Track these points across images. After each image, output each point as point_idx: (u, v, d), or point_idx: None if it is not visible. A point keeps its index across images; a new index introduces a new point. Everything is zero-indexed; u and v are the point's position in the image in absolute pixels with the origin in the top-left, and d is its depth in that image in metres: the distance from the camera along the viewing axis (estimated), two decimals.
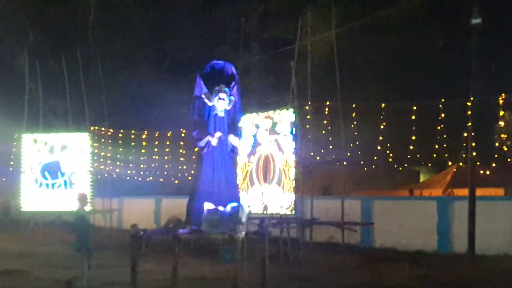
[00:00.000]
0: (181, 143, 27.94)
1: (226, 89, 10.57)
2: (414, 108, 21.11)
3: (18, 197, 24.59)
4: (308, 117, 19.46)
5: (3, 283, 13.04)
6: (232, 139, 10.55)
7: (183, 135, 27.01)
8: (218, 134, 10.42)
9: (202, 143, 10.38)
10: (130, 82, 33.46)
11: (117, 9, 33.55)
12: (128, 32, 34.05)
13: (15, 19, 32.67)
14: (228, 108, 10.61)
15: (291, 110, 18.27)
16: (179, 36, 34.04)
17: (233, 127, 10.64)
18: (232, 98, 10.63)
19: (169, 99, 32.17)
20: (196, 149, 10.97)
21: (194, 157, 13.88)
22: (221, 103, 10.50)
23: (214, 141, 10.35)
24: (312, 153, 20.95)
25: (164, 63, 35.59)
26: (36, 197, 24.36)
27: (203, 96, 10.55)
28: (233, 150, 10.68)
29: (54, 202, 24.21)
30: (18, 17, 32.71)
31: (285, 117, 18.33)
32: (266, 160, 18.78)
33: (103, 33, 31.82)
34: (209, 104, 10.49)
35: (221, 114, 10.54)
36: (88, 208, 11.29)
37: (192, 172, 13.47)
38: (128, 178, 30.07)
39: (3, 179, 30.41)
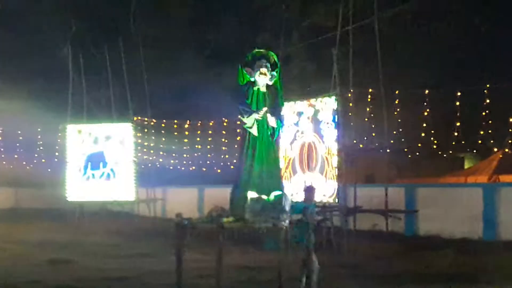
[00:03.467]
0: (224, 132, 27.96)
1: (267, 64, 10.52)
2: (458, 94, 20.80)
3: (64, 187, 24.92)
4: (350, 104, 19.33)
5: (49, 272, 13.22)
6: (269, 119, 10.47)
7: (225, 124, 27.04)
8: (264, 109, 10.37)
9: (249, 121, 10.31)
10: (173, 72, 33.58)
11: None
12: (170, 22, 34.15)
13: (58, 11, 33.01)
14: (270, 83, 10.55)
15: (333, 97, 18.15)
16: (221, 25, 34.05)
17: (273, 108, 10.55)
18: (274, 73, 10.57)
19: (211, 88, 32.21)
20: (238, 138, 10.95)
21: (236, 146, 13.85)
22: (262, 78, 10.45)
23: (259, 115, 10.28)
24: (354, 141, 20.82)
25: (206, 52, 35.63)
26: (81, 187, 24.67)
27: (245, 71, 10.51)
28: (273, 131, 10.58)
29: (98, 192, 24.48)
30: (61, 8, 33.03)
31: (327, 104, 18.22)
32: (308, 148, 18.72)
33: (145, 23, 32.01)
34: (251, 79, 10.46)
35: (263, 89, 10.49)
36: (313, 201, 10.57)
37: (235, 161, 13.48)
38: (171, 167, 30.23)
39: (49, 170, 30.83)
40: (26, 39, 33.15)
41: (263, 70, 10.44)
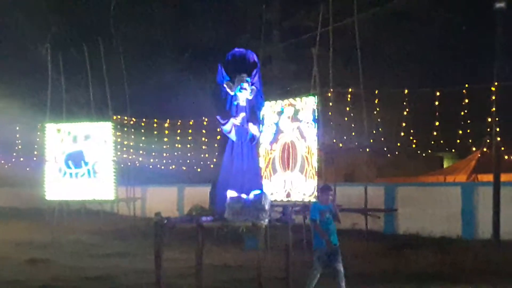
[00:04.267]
0: (203, 131, 27.95)
1: (248, 79, 10.50)
2: (437, 94, 20.93)
3: (43, 186, 24.78)
4: (330, 104, 19.39)
5: (28, 271, 13.16)
6: (251, 127, 10.49)
7: (205, 123, 27.01)
8: (242, 114, 10.37)
9: (227, 126, 10.34)
10: (152, 72, 33.55)
11: None
12: (149, 22, 34.11)
13: (37, 11, 32.85)
14: (250, 97, 10.56)
15: (313, 97, 18.19)
16: (200, 25, 34.05)
17: (253, 116, 10.57)
18: (254, 88, 10.56)
19: (190, 88, 32.21)
20: (218, 137, 10.96)
21: (216, 145, 13.88)
22: (243, 93, 10.45)
23: (237, 120, 10.30)
24: (334, 140, 20.88)
25: (185, 52, 35.61)
26: (60, 186, 24.54)
27: (225, 85, 10.50)
28: (253, 139, 10.62)
29: (78, 191, 24.37)
30: (40, 8, 32.87)
31: (307, 104, 18.25)
32: (288, 148, 18.75)
33: (125, 23, 31.94)
34: (231, 93, 10.45)
35: (243, 103, 10.49)
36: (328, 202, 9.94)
37: (215, 160, 13.48)
38: (151, 166, 30.18)
39: (27, 169, 30.66)
40: (5, 38, 32.99)
41: (244, 85, 10.44)
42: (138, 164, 28.39)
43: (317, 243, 9.98)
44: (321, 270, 9.90)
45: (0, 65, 33.02)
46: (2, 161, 32.34)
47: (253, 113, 10.63)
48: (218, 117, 10.48)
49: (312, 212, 10.04)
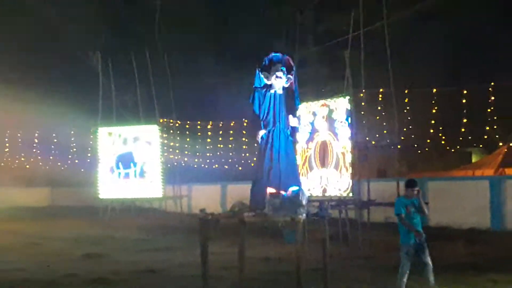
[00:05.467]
0: (244, 132, 28.02)
1: (283, 68, 10.51)
2: (465, 92, 20.70)
3: (96, 186, 25.07)
4: (363, 104, 19.29)
5: (84, 265, 13.31)
6: (291, 119, 10.48)
7: (245, 124, 27.08)
8: (262, 132, 10.38)
9: (258, 138, 10.39)
10: (195, 76, 33.71)
11: (182, 7, 33.79)
12: (192, 29, 34.27)
13: (88, 21, 33.22)
14: (286, 86, 10.53)
15: (346, 97, 18.11)
16: (239, 31, 34.10)
17: (291, 109, 10.56)
18: (290, 76, 10.55)
19: (231, 91, 32.30)
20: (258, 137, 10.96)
21: (256, 145, 13.92)
22: (278, 81, 10.44)
23: (261, 132, 10.32)
24: (367, 138, 20.77)
25: (226, 56, 35.71)
26: (111, 186, 24.81)
27: (261, 75, 10.51)
28: (293, 131, 10.59)
29: (128, 190, 24.61)
30: (90, 19, 33.24)
31: (341, 104, 18.16)
32: (323, 146, 18.67)
33: (169, 31, 32.13)
34: (268, 82, 10.46)
35: (279, 91, 10.49)
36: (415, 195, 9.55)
37: (255, 159, 13.50)
38: (195, 166, 30.36)
39: (82, 170, 31.05)
40: (59, 48, 33.42)
41: (279, 73, 10.44)
42: (183, 164, 28.58)
43: (403, 238, 9.69)
44: (409, 265, 9.57)
45: (55, 73, 33.52)
46: (59, 163, 32.82)
47: (292, 107, 10.61)
48: (249, 128, 10.51)
49: (397, 207, 9.80)
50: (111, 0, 33.77)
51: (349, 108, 17.88)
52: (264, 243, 14.64)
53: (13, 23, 32.73)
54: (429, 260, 9.60)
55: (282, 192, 9.89)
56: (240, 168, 29.08)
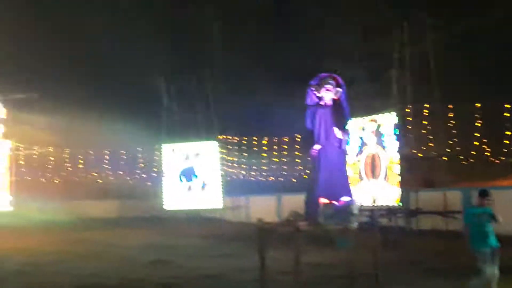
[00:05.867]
0: (297, 146, 27.98)
1: (332, 81, 10.47)
2: (507, 106, 20.26)
3: (161, 198, 25.35)
4: (409, 118, 19.08)
5: (151, 271, 13.43)
6: (337, 132, 10.41)
7: (298, 139, 27.05)
8: (317, 147, 10.33)
9: (313, 153, 10.35)
10: (251, 95, 33.84)
11: (236, 30, 34.04)
12: (247, 49, 34.43)
13: (151, 46, 33.76)
14: (336, 97, 10.48)
15: (394, 113, 17.94)
16: (291, 50, 34.12)
17: (340, 122, 10.48)
18: (339, 89, 10.49)
19: (284, 108, 32.30)
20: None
21: (308, 158, 13.88)
22: (328, 94, 10.41)
23: (316, 147, 10.27)
24: (414, 151, 20.51)
25: (279, 75, 35.75)
26: (175, 198, 25.05)
27: (312, 88, 10.49)
28: (342, 143, 10.51)
29: (191, 201, 24.81)
30: (154, 43, 33.76)
31: (388, 119, 18.02)
32: (372, 158, 18.53)
33: (226, 52, 32.38)
34: (318, 95, 10.43)
35: (329, 102, 10.44)
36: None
37: (308, 171, 13.47)
38: (252, 178, 30.41)
39: (148, 183, 31.44)
40: (126, 71, 34.04)
41: (328, 86, 10.41)
42: (241, 177, 28.68)
43: (480, 244, 9.48)
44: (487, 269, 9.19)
45: (123, 96, 34.12)
46: (127, 177, 33.33)
47: (339, 121, 10.54)
48: (303, 143, 10.52)
49: (465, 217, 9.67)
50: (172, 26, 34.23)
51: (396, 123, 17.72)
52: (318, 250, 14.51)
53: (83, 49, 33.54)
54: (497, 271, 9.34)
55: (335, 202, 9.83)
56: (294, 180, 29.01)
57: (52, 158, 33.85)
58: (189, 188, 25.15)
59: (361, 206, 14.97)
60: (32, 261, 15.31)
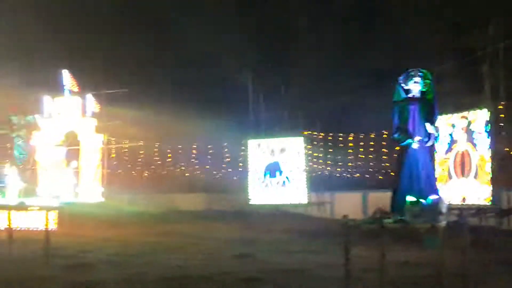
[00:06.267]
0: (383, 143, 27.58)
1: (421, 73, 10.26)
2: None
3: (247, 193, 25.58)
4: (502, 115, 18.45)
5: (235, 265, 13.56)
6: (428, 127, 10.19)
7: (384, 136, 26.65)
8: (417, 138, 10.14)
9: (405, 143, 10.17)
10: (337, 91, 33.56)
11: (323, 26, 33.82)
12: (334, 44, 34.17)
13: (239, 42, 34.04)
14: (423, 90, 10.26)
15: (485, 110, 17.39)
16: (378, 45, 33.60)
17: (429, 118, 10.26)
18: (428, 81, 10.27)
19: (371, 104, 31.87)
20: (397, 147, 10.78)
21: (395, 155, 13.64)
22: (416, 86, 10.24)
23: (415, 145, 10.07)
24: (507, 149, 19.81)
25: (366, 71, 35.29)
26: (260, 193, 25.21)
27: (400, 81, 10.33)
28: (431, 139, 10.28)
29: (275, 196, 24.90)
30: (239, 41, 34.03)
31: (479, 116, 17.48)
32: (462, 156, 18.03)
33: (312, 49, 32.26)
34: (406, 87, 10.25)
35: (417, 94, 10.24)
36: None
37: (394, 168, 13.24)
38: (338, 175, 30.20)
39: (234, 178, 31.77)
40: (213, 69, 34.50)
41: (417, 79, 10.23)
42: (326, 173, 28.53)
43: None
44: None
45: (211, 92, 34.60)
46: (214, 172, 33.80)
47: (429, 115, 10.33)
48: (395, 135, 10.32)
49: None
50: (259, 22, 34.39)
51: (488, 120, 17.18)
52: (404, 248, 14.25)
53: (172, 45, 34.21)
54: None
55: (422, 200, 9.65)
56: (380, 177, 28.61)
57: (142, 152, 34.78)
58: (274, 183, 25.25)
59: (450, 204, 14.62)
60: (121, 251, 15.79)
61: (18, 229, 20.45)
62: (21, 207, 19.94)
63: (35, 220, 21.17)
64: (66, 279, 11.34)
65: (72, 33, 34.27)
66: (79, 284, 10.89)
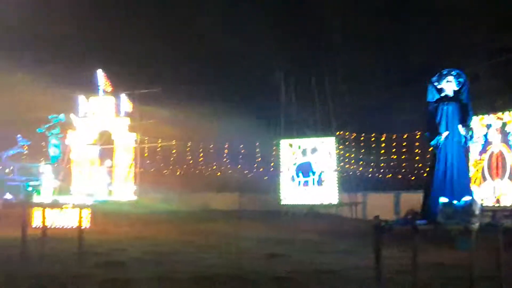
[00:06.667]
0: (416, 143, 27.36)
1: (454, 72, 10.20)
2: None
3: (278, 193, 25.59)
4: None
5: (267, 264, 13.59)
6: (460, 128, 10.12)
7: (417, 136, 26.44)
8: (445, 133, 10.07)
9: (433, 142, 10.13)
10: (369, 91, 33.40)
11: (357, 26, 33.67)
12: (367, 44, 33.99)
13: (270, 44, 34.07)
14: (457, 89, 10.19)
15: None
16: (412, 47, 33.35)
17: (463, 119, 10.18)
18: (461, 81, 10.20)
19: (404, 105, 31.63)
20: (430, 148, 10.71)
21: (428, 156, 13.49)
22: (449, 85, 10.17)
23: (443, 137, 10.01)
24: None
25: (398, 72, 35.03)
26: (292, 193, 25.20)
27: (433, 81, 10.28)
28: (462, 141, 10.21)
29: (307, 196, 24.87)
30: (271, 41, 34.05)
31: None
32: (497, 157, 17.81)
33: (345, 49, 32.15)
34: (439, 87, 10.19)
35: (450, 94, 10.17)
36: None
37: (427, 169, 13.15)
38: (369, 175, 30.05)
39: (265, 178, 31.81)
40: (246, 70, 34.60)
41: (450, 78, 10.17)
42: (358, 173, 28.42)
43: None
44: None
45: (243, 92, 34.71)
46: (246, 171, 33.88)
47: (463, 116, 10.26)
48: (427, 134, 10.29)
49: None
50: (292, 21, 34.38)
51: None
52: (436, 250, 14.13)
53: (205, 45, 34.42)
54: None
55: (455, 202, 9.57)
56: (412, 178, 28.41)
57: (174, 151, 35.03)
58: (306, 183, 25.22)
59: (483, 206, 14.45)
60: (154, 250, 15.94)
61: (52, 226, 20.80)
62: (55, 205, 20.24)
63: (69, 218, 21.51)
64: (99, 276, 11.49)
65: (107, 33, 34.67)
66: (112, 282, 11.02)
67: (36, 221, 21.29)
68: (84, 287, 10.75)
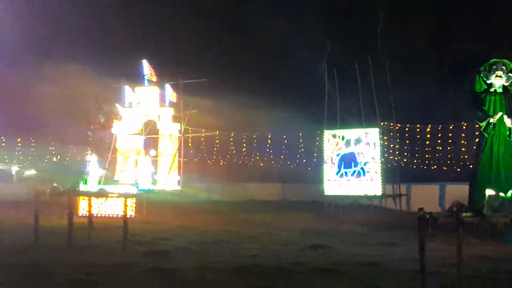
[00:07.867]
0: (463, 135, 26.93)
1: (504, 67, 10.00)
2: None
3: (321, 183, 25.48)
4: None
5: (310, 255, 13.60)
6: (506, 120, 9.93)
7: (464, 128, 26.02)
8: (498, 114, 9.91)
9: (483, 124, 9.97)
10: (415, 83, 32.99)
11: (404, 16, 33.25)
12: (412, 38, 33.58)
13: (314, 34, 33.93)
14: (506, 84, 10.00)
15: None
16: (458, 38, 32.82)
17: (510, 111, 10.01)
18: (510, 75, 10.00)
19: (450, 97, 31.16)
20: (477, 140, 10.55)
21: (474, 147, 13.28)
22: (498, 80, 9.99)
23: (495, 119, 9.84)
24: None
25: (444, 63, 34.51)
26: (335, 184, 25.07)
27: (481, 74, 10.11)
28: (509, 133, 10.02)
29: (350, 188, 24.72)
30: (317, 31, 33.92)
31: None
32: None
33: (389, 40, 31.81)
34: (487, 81, 10.02)
35: (499, 90, 9.99)
36: None
37: (473, 161, 12.94)
38: (414, 167, 29.72)
39: (309, 168, 31.74)
40: (290, 60, 34.58)
41: (499, 72, 9.98)
42: (402, 165, 28.13)
43: None
44: None
45: (286, 83, 34.68)
46: (289, 162, 33.87)
47: (510, 108, 10.08)
48: (479, 113, 10.13)
49: None
50: (337, 11, 34.17)
51: None
52: (482, 243, 13.92)
53: (250, 35, 34.46)
54: None
55: (501, 194, 9.40)
56: (458, 169, 27.98)
57: (218, 141, 35.22)
58: (349, 174, 25.06)
59: None
60: (197, 239, 16.10)
61: (98, 215, 21.17)
62: (101, 194, 20.58)
63: (114, 207, 21.85)
64: (144, 265, 11.66)
65: (152, 23, 35.00)
66: (157, 271, 11.17)
67: (82, 209, 21.70)
68: (129, 276, 10.92)
